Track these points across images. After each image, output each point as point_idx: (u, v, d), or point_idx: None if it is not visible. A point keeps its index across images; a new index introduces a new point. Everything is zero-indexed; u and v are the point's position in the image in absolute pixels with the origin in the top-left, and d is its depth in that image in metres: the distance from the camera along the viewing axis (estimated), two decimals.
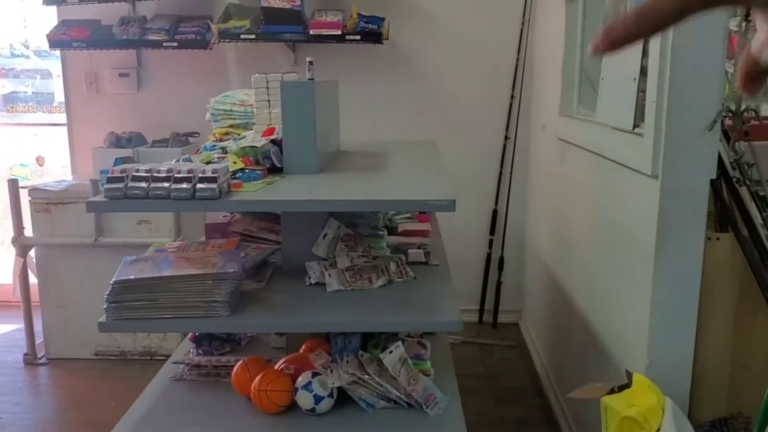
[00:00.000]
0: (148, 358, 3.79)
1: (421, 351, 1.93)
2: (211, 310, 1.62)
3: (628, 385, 1.93)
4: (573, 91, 3.25)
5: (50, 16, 4.10)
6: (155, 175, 1.61)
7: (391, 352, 1.80)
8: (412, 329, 1.98)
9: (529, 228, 4.19)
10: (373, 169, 2.16)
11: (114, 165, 1.68)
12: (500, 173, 4.20)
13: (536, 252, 3.93)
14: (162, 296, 1.62)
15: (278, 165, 1.95)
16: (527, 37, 4.04)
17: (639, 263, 2.06)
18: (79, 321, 3.67)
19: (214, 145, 2.15)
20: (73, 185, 3.71)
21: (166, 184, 1.59)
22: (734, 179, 1.98)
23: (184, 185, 1.58)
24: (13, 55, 5.18)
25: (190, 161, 1.85)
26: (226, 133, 2.35)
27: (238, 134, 2.27)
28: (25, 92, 5.22)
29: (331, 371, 1.79)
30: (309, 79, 2.23)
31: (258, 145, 1.94)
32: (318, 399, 1.74)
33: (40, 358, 3.82)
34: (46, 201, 3.66)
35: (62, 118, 4.35)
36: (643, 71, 2.11)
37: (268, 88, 2.18)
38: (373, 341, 1.91)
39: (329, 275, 1.85)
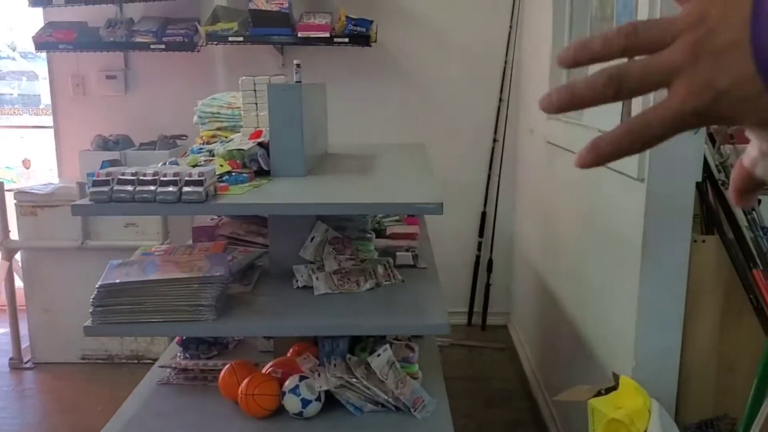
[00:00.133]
0: (136, 362, 3.77)
1: (409, 354, 1.93)
2: (198, 314, 1.62)
3: (614, 388, 1.93)
4: None
5: (36, 18, 4.08)
6: (141, 178, 1.60)
7: (378, 355, 1.80)
8: (400, 332, 1.98)
9: (518, 230, 4.20)
10: (361, 172, 2.16)
11: (101, 168, 1.68)
12: (489, 176, 4.21)
13: (525, 254, 3.94)
14: (148, 300, 1.62)
15: (265, 168, 1.94)
16: (515, 40, 4.06)
17: (626, 266, 2.07)
18: (65, 325, 3.64)
19: (201, 148, 2.14)
20: (59, 188, 3.68)
21: (152, 188, 1.58)
22: (719, 182, 1.99)
23: (171, 188, 1.58)
24: None
25: (177, 164, 1.85)
26: (214, 136, 2.34)
27: (226, 137, 2.26)
28: (11, 94, 5.19)
29: (319, 375, 1.79)
30: (296, 81, 2.23)
31: (245, 147, 1.93)
32: (305, 403, 1.74)
33: (26, 363, 3.79)
34: (32, 204, 3.63)
35: (49, 120, 4.32)
36: None
37: (255, 90, 2.18)
38: (360, 345, 1.91)
39: (317, 278, 1.84)
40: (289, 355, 1.96)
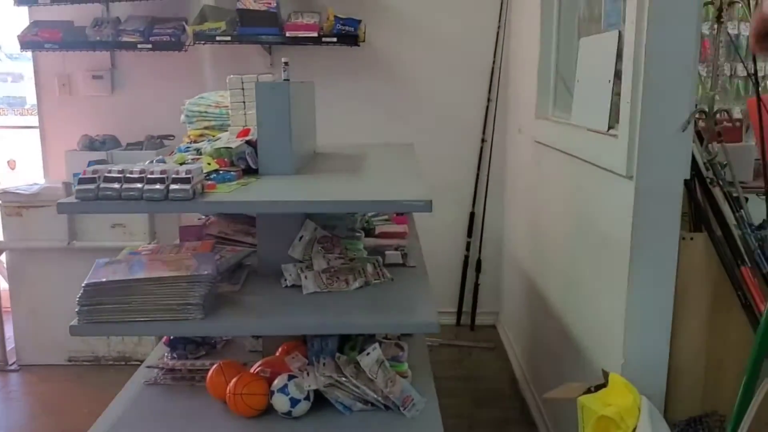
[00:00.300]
0: (123, 363, 3.74)
1: (399, 353, 1.93)
2: (186, 313, 1.60)
3: (604, 385, 1.94)
4: (548, 94, 3.27)
5: (22, 18, 4.04)
6: (128, 175, 1.58)
7: (368, 354, 1.79)
8: (390, 331, 1.97)
9: (507, 230, 4.20)
10: (350, 171, 2.15)
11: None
12: (477, 176, 4.22)
13: (513, 254, 3.95)
14: (135, 299, 1.60)
15: (253, 166, 1.93)
16: (503, 40, 4.06)
17: (614, 263, 2.07)
18: (51, 326, 3.60)
19: (189, 147, 2.13)
20: (45, 188, 3.65)
21: (139, 185, 1.57)
22: (708, 180, 2.00)
23: (158, 186, 1.57)
24: None
25: (164, 162, 1.83)
26: (201, 135, 2.32)
27: (213, 136, 2.25)
28: None
29: (308, 374, 1.78)
30: (285, 79, 2.22)
31: (233, 146, 1.92)
32: (294, 402, 1.73)
33: (11, 365, 3.75)
34: (18, 204, 3.60)
35: (34, 120, 4.28)
36: (618, 75, 2.12)
37: (243, 89, 2.16)
38: (350, 343, 1.90)
39: (305, 277, 1.83)
40: (277, 354, 1.95)
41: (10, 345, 3.78)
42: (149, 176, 1.58)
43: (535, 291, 3.29)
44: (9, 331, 3.75)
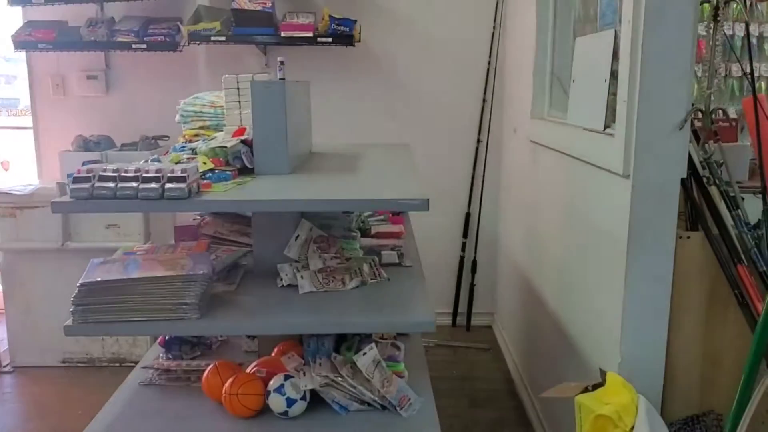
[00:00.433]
0: (118, 364, 3.72)
1: (395, 353, 1.92)
2: (181, 313, 1.59)
3: (602, 384, 1.93)
4: (544, 94, 3.27)
5: (16, 18, 4.02)
6: (123, 174, 1.57)
7: (364, 354, 1.78)
8: (386, 330, 1.97)
9: (502, 230, 4.20)
10: (346, 171, 2.14)
11: None
12: (473, 176, 4.21)
13: (509, 254, 3.94)
14: (130, 298, 1.59)
15: (249, 166, 1.92)
16: (499, 39, 4.06)
17: (611, 262, 2.07)
18: (45, 328, 3.58)
19: (184, 146, 2.12)
20: (39, 189, 3.64)
21: (134, 184, 1.56)
22: (704, 178, 1.99)
23: (153, 185, 1.56)
24: None
25: (159, 162, 1.82)
26: (196, 135, 2.31)
27: (208, 135, 2.24)
28: None
29: (304, 374, 1.77)
30: (280, 78, 2.21)
31: (228, 145, 1.91)
32: (290, 402, 1.72)
33: (5, 366, 3.73)
34: (12, 205, 3.59)
35: (28, 121, 4.26)
36: (614, 74, 2.12)
37: (238, 88, 2.16)
38: (346, 343, 1.89)
39: (301, 277, 1.82)
40: (273, 354, 1.94)
41: (3, 347, 3.76)
42: (144, 175, 1.57)
43: (530, 291, 3.29)
44: (3, 333, 3.73)
